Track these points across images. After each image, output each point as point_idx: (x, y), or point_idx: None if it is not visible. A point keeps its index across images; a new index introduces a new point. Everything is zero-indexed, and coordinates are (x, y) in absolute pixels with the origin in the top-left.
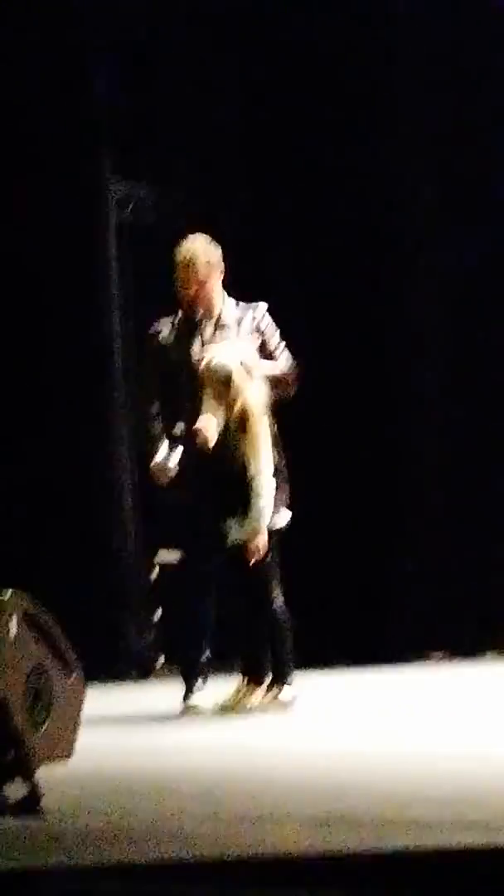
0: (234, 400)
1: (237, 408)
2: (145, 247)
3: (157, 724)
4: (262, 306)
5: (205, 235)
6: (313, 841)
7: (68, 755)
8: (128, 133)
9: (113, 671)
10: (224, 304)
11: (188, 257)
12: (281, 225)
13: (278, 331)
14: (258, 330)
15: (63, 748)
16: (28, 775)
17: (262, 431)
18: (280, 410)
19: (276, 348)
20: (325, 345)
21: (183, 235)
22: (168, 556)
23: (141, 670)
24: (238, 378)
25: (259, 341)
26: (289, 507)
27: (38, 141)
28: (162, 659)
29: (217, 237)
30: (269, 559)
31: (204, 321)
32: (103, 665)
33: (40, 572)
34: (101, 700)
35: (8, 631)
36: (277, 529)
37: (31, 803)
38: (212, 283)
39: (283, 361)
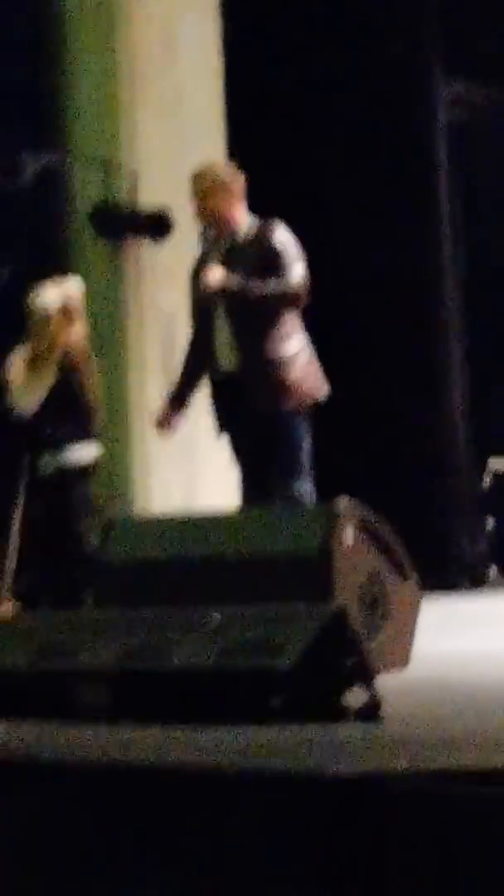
0: (55, 340)
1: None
2: (477, 148)
3: (494, 633)
4: (276, 223)
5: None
6: None
7: (405, 663)
8: (460, 29)
9: (444, 581)
10: (239, 225)
11: (193, 173)
12: None
13: (294, 247)
14: (268, 248)
15: (400, 655)
16: (368, 682)
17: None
18: None
19: (285, 266)
20: None
21: None
22: (501, 464)
23: (473, 580)
24: (57, 317)
25: (270, 259)
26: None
27: (367, 40)
28: (494, 569)
29: None
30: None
31: (215, 242)
32: (434, 574)
33: (372, 481)
34: (433, 609)
35: (344, 539)
36: (83, 466)
37: (371, 710)
38: (217, 200)
39: (289, 279)
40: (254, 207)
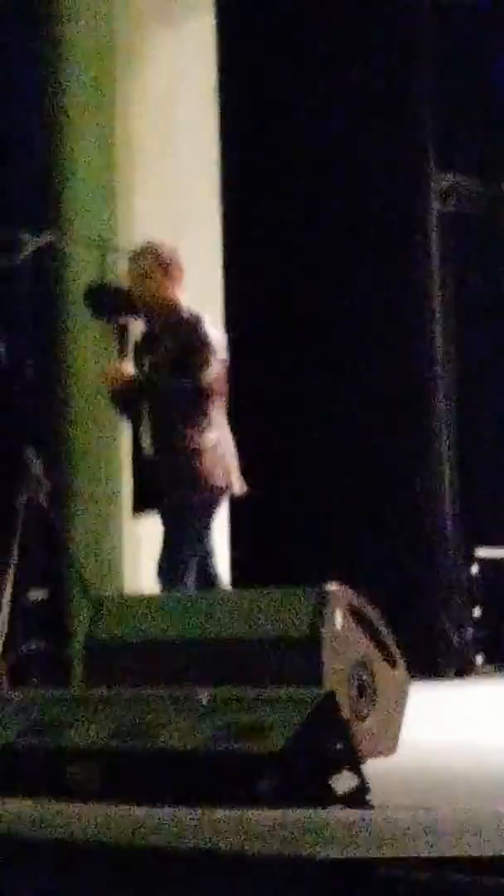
0: None
1: None
2: (467, 238)
3: (480, 723)
4: (202, 316)
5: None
6: None
7: (393, 749)
8: (451, 125)
9: (431, 669)
10: (176, 310)
11: (134, 253)
12: None
13: (216, 341)
14: (190, 339)
15: (388, 742)
16: (356, 767)
17: None
18: None
19: (202, 360)
20: None
21: None
22: (488, 553)
23: (460, 669)
24: None
25: (190, 350)
26: None
27: (361, 135)
28: (481, 657)
29: None
30: None
31: (148, 327)
32: (422, 662)
33: (360, 567)
34: (420, 697)
35: (334, 624)
36: None
37: (360, 796)
38: (157, 283)
39: (203, 373)
40: (246, 293)
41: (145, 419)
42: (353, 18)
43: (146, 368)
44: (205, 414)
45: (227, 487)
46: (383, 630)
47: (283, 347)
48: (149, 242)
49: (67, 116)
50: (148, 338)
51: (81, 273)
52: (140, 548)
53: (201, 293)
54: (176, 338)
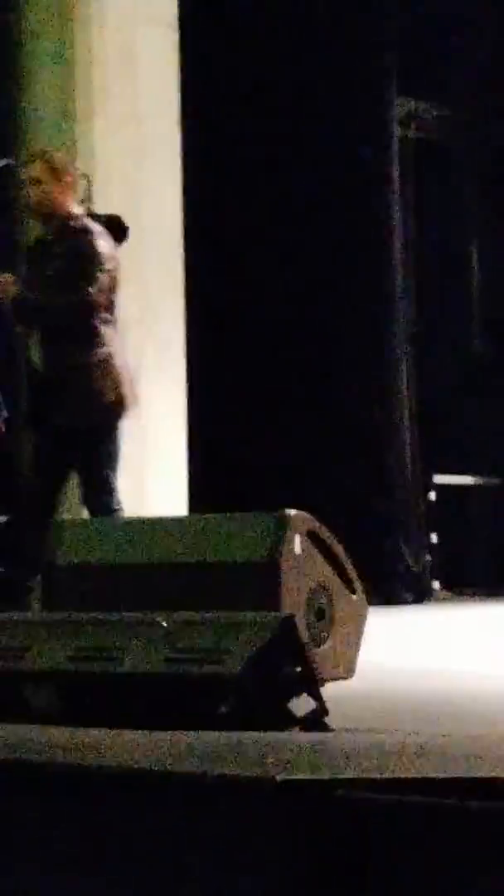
0: None
1: None
2: (428, 163)
3: (439, 647)
4: (88, 228)
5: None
6: None
7: (350, 673)
8: (413, 51)
9: (389, 594)
10: (68, 218)
11: (25, 159)
12: None
13: (102, 255)
14: (77, 251)
15: (345, 666)
16: (314, 690)
17: None
18: None
19: (87, 273)
20: None
21: (467, 152)
22: (445, 480)
23: (417, 594)
24: None
25: (76, 261)
26: None
27: (324, 61)
28: (438, 583)
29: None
30: None
31: (42, 234)
32: (379, 588)
33: (317, 492)
34: (378, 622)
35: (293, 548)
36: None
37: (317, 718)
38: (48, 189)
39: (84, 287)
40: (206, 213)
41: (35, 334)
42: None
43: (35, 281)
44: (93, 329)
45: (119, 404)
46: (342, 555)
47: (241, 269)
48: (40, 149)
49: (25, 43)
50: (40, 246)
51: None
52: None
53: (160, 213)
54: (64, 248)
